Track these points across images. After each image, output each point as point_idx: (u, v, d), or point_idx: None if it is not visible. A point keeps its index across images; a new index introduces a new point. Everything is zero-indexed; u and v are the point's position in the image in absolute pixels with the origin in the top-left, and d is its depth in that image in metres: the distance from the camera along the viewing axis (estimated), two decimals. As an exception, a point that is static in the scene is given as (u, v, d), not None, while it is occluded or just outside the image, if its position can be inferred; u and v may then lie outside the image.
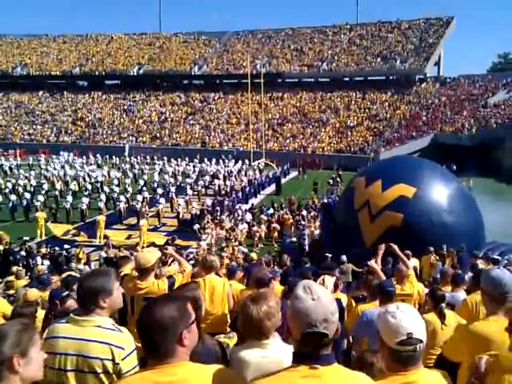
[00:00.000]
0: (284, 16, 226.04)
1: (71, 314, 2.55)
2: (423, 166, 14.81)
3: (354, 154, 43.78)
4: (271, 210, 24.39)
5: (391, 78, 55.94)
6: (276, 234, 21.79)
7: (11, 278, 10.01)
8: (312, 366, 1.75)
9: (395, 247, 6.49)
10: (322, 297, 1.77)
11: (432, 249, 11.10)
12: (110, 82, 66.90)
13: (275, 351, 2.30)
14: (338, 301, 5.58)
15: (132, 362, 2.44)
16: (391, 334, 2.02)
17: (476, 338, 2.61)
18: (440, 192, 13.37)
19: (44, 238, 21.70)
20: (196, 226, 21.80)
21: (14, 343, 1.81)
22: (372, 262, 6.12)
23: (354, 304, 5.40)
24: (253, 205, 26.70)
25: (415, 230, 12.26)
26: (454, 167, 32.71)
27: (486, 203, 17.26)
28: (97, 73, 65.95)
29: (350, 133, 47.94)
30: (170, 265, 7.80)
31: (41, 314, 5.03)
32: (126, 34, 74.35)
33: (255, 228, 21.49)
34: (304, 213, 23.00)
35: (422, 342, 2.00)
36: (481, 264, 9.47)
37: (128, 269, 4.78)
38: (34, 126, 58.77)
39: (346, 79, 57.92)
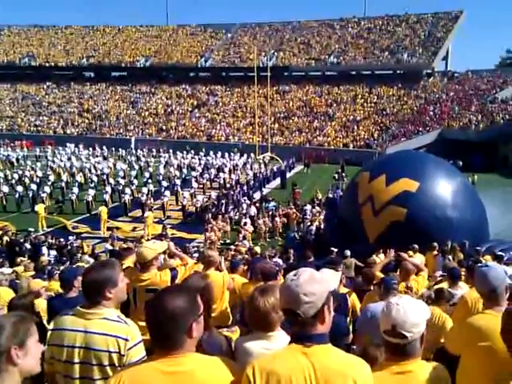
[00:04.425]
0: (291, 9, 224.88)
1: (78, 307, 2.56)
2: (427, 161, 14.79)
3: (360, 149, 43.60)
4: (272, 203, 24.43)
5: (398, 72, 55.45)
6: (280, 227, 21.84)
7: (18, 268, 10.09)
8: (305, 344, 1.85)
9: (405, 256, 6.52)
10: (300, 278, 1.89)
11: (436, 245, 11.10)
12: (116, 74, 66.83)
13: (280, 343, 2.33)
14: (342, 296, 5.61)
15: (138, 353, 2.46)
16: (381, 323, 2.16)
17: (472, 329, 2.68)
18: (444, 187, 13.36)
19: (46, 229, 21.74)
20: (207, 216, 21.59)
21: (10, 334, 1.79)
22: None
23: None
24: (254, 198, 26.65)
25: (419, 224, 12.27)
26: (461, 163, 32.53)
27: (491, 199, 17.19)
28: (103, 64, 65.93)
29: (356, 127, 47.72)
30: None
31: (43, 303, 5.07)
32: (132, 25, 74.24)
33: (260, 221, 21.52)
34: (308, 207, 22.99)
35: (406, 337, 2.07)
36: (484, 260, 9.47)
37: (130, 261, 4.80)
38: (41, 118, 58.88)
39: (353, 73, 57.47)
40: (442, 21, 58.50)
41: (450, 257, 10.23)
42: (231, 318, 4.88)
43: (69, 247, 16.17)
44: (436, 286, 5.70)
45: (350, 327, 5.11)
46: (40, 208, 22.55)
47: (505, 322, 2.31)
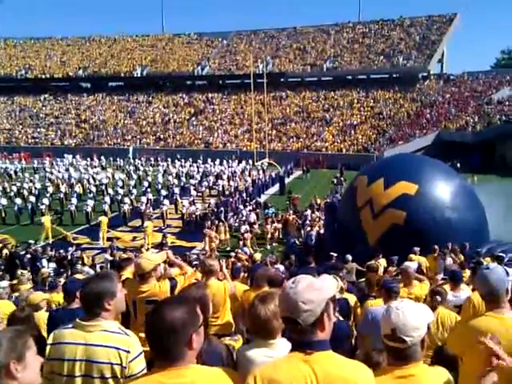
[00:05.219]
0: (286, 15, 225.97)
1: (77, 319, 2.54)
2: (425, 164, 14.78)
3: (358, 153, 43.68)
4: (272, 209, 24.43)
5: (394, 75, 55.67)
6: (277, 233, 21.81)
7: (16, 281, 10.04)
8: (306, 351, 1.83)
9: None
10: (298, 286, 1.87)
11: (437, 247, 11.08)
12: (113, 84, 67.00)
13: (281, 351, 2.32)
14: (345, 301, 5.59)
15: (139, 365, 2.44)
16: (382, 327, 2.13)
17: (473, 331, 2.68)
18: (442, 189, 13.35)
19: (51, 240, 21.74)
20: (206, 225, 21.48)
21: (8, 349, 1.79)
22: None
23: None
24: (252, 204, 26.67)
25: (418, 227, 12.26)
26: (459, 164, 32.58)
27: (490, 199, 17.16)
28: (100, 75, 66.09)
29: (353, 131, 47.83)
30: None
31: (43, 316, 5.04)
32: (128, 35, 74.48)
33: (256, 226, 21.47)
34: (308, 212, 22.96)
35: (405, 341, 2.05)
36: (485, 261, 9.44)
37: (129, 272, 4.77)
38: (38, 129, 58.96)
39: (349, 78, 57.71)
40: (436, 24, 58.83)
41: (453, 257, 10.20)
42: (234, 326, 4.85)
43: (69, 258, 16.13)
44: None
45: (355, 332, 5.09)
46: (47, 220, 22.53)
47: None
